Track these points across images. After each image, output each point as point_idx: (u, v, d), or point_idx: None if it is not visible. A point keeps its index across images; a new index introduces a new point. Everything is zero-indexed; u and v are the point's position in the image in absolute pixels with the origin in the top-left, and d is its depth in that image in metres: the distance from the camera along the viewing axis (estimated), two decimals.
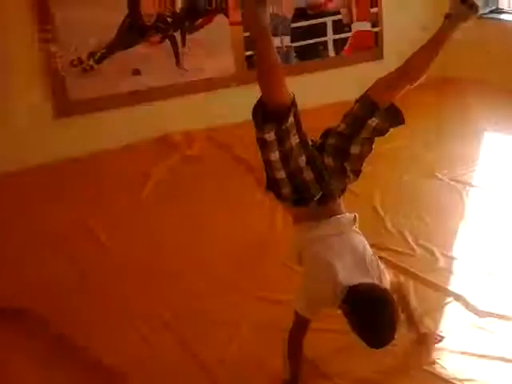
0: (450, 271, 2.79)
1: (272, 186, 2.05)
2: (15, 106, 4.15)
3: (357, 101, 2.11)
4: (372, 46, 5.36)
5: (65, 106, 4.29)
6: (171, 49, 4.52)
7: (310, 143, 2.06)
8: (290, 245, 2.19)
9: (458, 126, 4.51)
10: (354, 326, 1.89)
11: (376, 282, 1.98)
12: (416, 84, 2.12)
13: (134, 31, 4.37)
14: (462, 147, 4.14)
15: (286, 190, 2.02)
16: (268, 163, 2.00)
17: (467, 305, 2.50)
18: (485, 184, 3.63)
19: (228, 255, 3.03)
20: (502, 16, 5.21)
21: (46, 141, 4.27)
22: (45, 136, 4.28)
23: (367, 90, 2.10)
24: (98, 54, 4.28)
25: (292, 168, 1.98)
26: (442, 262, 2.86)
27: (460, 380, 2.11)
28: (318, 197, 2.02)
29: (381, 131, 2.10)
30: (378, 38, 5.35)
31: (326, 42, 5.13)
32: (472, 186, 3.62)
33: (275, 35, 4.87)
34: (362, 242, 2.08)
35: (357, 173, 2.13)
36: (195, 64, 4.61)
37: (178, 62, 4.57)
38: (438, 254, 2.91)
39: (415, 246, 2.99)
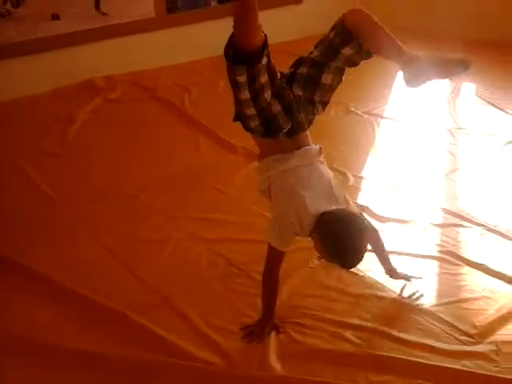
0: (358, 188, 3.07)
1: (241, 119, 2.07)
2: None
3: (332, 28, 2.06)
4: None
5: None
6: None
7: (279, 75, 2.05)
8: (257, 180, 2.22)
9: (378, 67, 4.79)
10: (326, 249, 1.97)
11: (343, 206, 2.06)
12: None
13: None
14: (379, 85, 4.43)
15: (255, 123, 2.04)
16: (239, 101, 2.02)
17: (372, 213, 2.79)
18: (394, 116, 3.93)
19: (156, 184, 3.18)
20: None
21: None
22: None
23: (343, 18, 2.02)
24: None
25: (260, 103, 1.99)
26: (352, 181, 3.13)
27: (363, 271, 2.41)
28: (287, 128, 2.04)
29: (353, 62, 2.07)
30: None
31: None
32: (383, 117, 3.91)
33: None
34: (327, 171, 2.15)
35: (324, 105, 2.14)
36: (114, 8, 4.66)
37: (97, 6, 4.60)
38: (349, 175, 3.18)
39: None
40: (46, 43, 4.45)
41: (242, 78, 1.93)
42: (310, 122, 2.14)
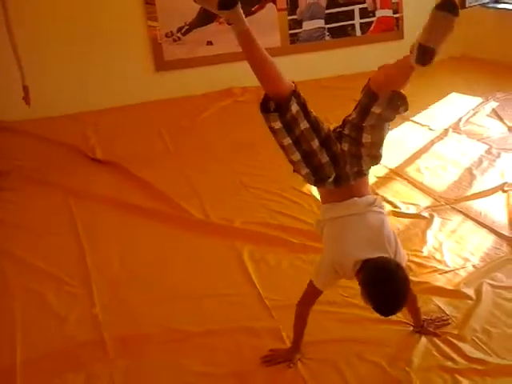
0: None
1: (295, 169, 2.26)
2: (130, 65, 6.40)
3: (362, 90, 2.19)
4: (393, 29, 6.97)
5: (162, 64, 6.41)
6: None
7: (326, 129, 2.21)
8: (315, 222, 2.42)
9: (435, 88, 6.09)
10: (365, 295, 2.04)
11: (391, 255, 2.13)
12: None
13: (208, 14, 6.38)
14: (433, 102, 5.72)
15: (305, 171, 2.21)
16: (282, 147, 2.17)
17: None
18: (421, 121, 5.22)
19: (233, 147, 4.98)
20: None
21: (150, 86, 6.40)
22: (149, 83, 6.41)
23: (369, 80, 2.16)
24: (184, 29, 6.42)
25: (305, 150, 2.14)
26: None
27: None
28: (332, 178, 2.17)
29: (387, 118, 2.15)
30: (398, 23, 6.92)
31: (353, 25, 6.85)
32: (422, 125, 5.12)
33: (312, 19, 6.74)
34: (379, 219, 2.21)
35: (373, 157, 2.22)
36: None
37: None
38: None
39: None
40: (201, 61, 6.53)
41: (277, 125, 2.11)
42: (358, 174, 2.23)
